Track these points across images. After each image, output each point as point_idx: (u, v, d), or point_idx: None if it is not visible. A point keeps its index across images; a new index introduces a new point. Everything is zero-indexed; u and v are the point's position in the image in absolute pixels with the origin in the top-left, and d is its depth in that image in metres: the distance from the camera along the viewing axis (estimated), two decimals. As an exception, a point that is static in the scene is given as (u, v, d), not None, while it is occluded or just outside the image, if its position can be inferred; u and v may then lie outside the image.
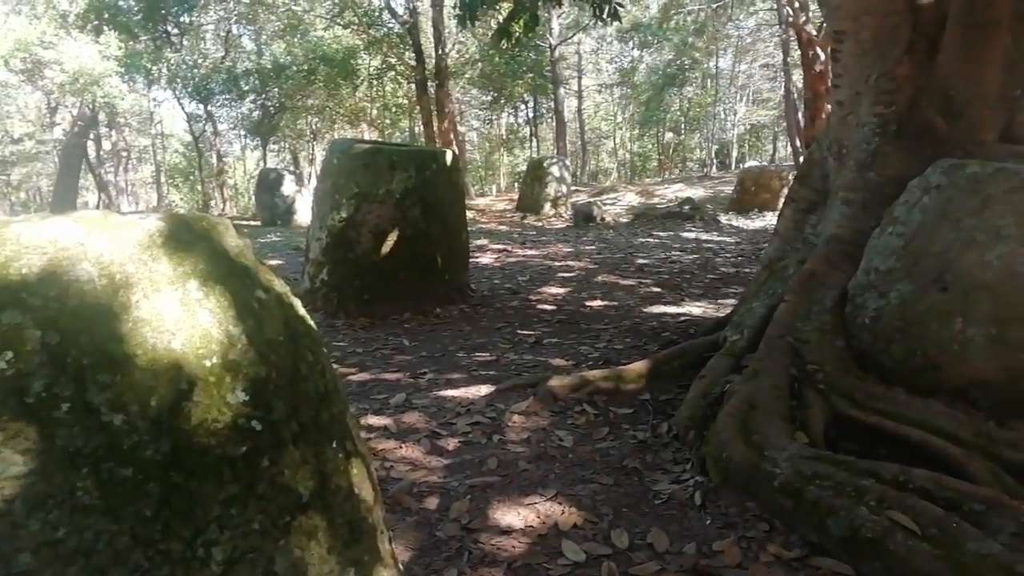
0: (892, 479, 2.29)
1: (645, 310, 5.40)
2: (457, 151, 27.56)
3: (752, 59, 28.22)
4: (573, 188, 20.94)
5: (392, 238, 5.09)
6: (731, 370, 3.27)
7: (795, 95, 15.73)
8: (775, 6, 17.03)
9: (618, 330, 4.75)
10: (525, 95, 25.85)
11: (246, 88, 20.38)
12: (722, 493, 2.49)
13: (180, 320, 1.16)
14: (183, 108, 22.15)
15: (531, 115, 29.14)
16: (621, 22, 7.59)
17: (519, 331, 4.78)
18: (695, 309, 5.43)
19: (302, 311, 1.47)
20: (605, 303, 5.63)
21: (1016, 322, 2.76)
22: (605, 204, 15.10)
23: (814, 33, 11.88)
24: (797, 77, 15.65)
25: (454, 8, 6.11)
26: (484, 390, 3.55)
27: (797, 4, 12.30)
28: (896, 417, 2.81)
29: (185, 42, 19.94)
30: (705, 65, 25.90)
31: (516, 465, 2.76)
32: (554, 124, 24.22)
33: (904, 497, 2.15)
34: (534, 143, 30.09)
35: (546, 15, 21.39)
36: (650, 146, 33.31)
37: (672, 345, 4.12)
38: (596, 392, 3.40)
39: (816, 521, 2.19)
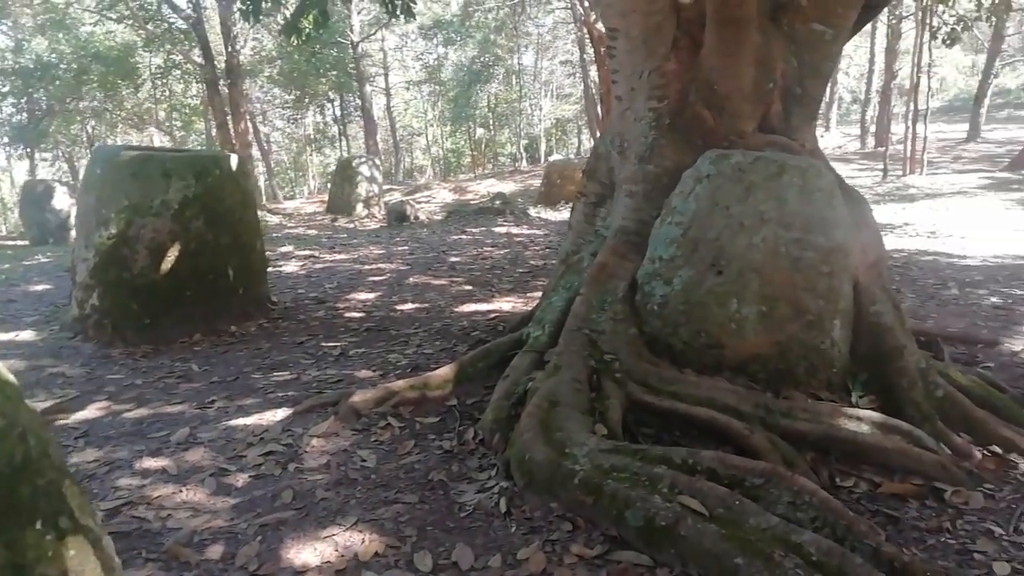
0: (682, 463, 2.37)
1: (456, 310, 5.34)
2: (261, 152, 26.04)
3: (553, 56, 29.31)
4: (387, 187, 20.62)
5: (173, 254, 4.61)
6: (534, 367, 3.27)
7: (593, 90, 16.49)
8: (570, 5, 17.74)
9: (428, 334, 4.64)
10: (330, 93, 25.06)
11: (4, 89, 17.94)
12: (527, 496, 2.45)
13: None
14: (-79, 113, 19.07)
15: (339, 113, 28.30)
16: (415, 18, 7.47)
17: (324, 344, 4.52)
18: (505, 304, 5.45)
19: (-14, 366, 1.20)
20: (416, 306, 5.50)
21: (781, 299, 2.98)
22: (419, 202, 14.97)
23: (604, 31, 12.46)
24: (594, 73, 16.41)
25: (237, 3, 5.64)
26: (281, 414, 3.29)
27: (587, 3, 12.85)
28: (686, 398, 2.94)
29: (-80, 37, 17.18)
30: (509, 62, 26.50)
31: (313, 495, 2.56)
32: (363, 122, 23.67)
33: (693, 481, 2.21)
34: (344, 142, 29.28)
35: (346, 11, 20.84)
36: (462, 142, 33.62)
37: (482, 344, 4.07)
38: (402, 403, 3.26)
39: (615, 514, 2.20)
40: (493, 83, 26.46)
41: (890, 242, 8.13)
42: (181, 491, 2.62)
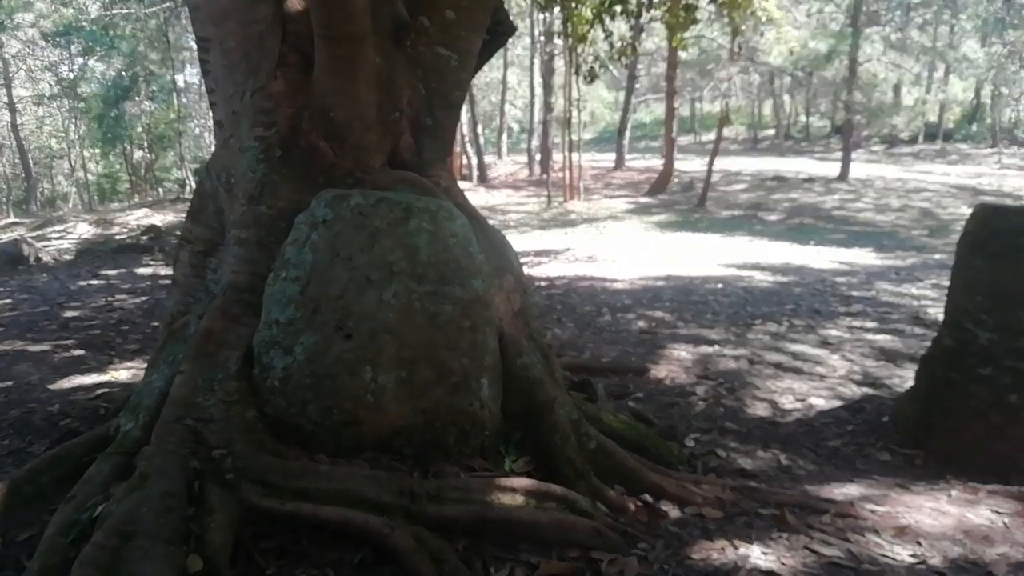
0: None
1: (53, 386, 4.16)
2: None
3: (223, 74, 27.04)
4: (9, 221, 17.15)
5: None
6: (117, 477, 2.44)
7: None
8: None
9: (-4, 429, 3.46)
10: (-73, 106, 20.22)
11: None
12: None
13: None
14: None
15: (-57, 132, 23.01)
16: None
17: None
18: (124, 373, 4.41)
19: None
20: (-7, 386, 4.18)
21: (421, 362, 2.57)
22: (51, 238, 12.52)
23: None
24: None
25: None
26: None
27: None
28: (316, 495, 2.37)
29: None
30: (165, 78, 23.81)
31: None
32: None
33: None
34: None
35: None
36: (118, 166, 29.52)
37: (74, 436, 3.10)
38: None
39: None
40: (147, 100, 23.45)
41: (554, 268, 8.53)
42: None
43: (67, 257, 10.35)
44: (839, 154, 21.16)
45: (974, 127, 30.54)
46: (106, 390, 4.04)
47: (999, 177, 20.72)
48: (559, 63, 21.15)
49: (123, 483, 2.36)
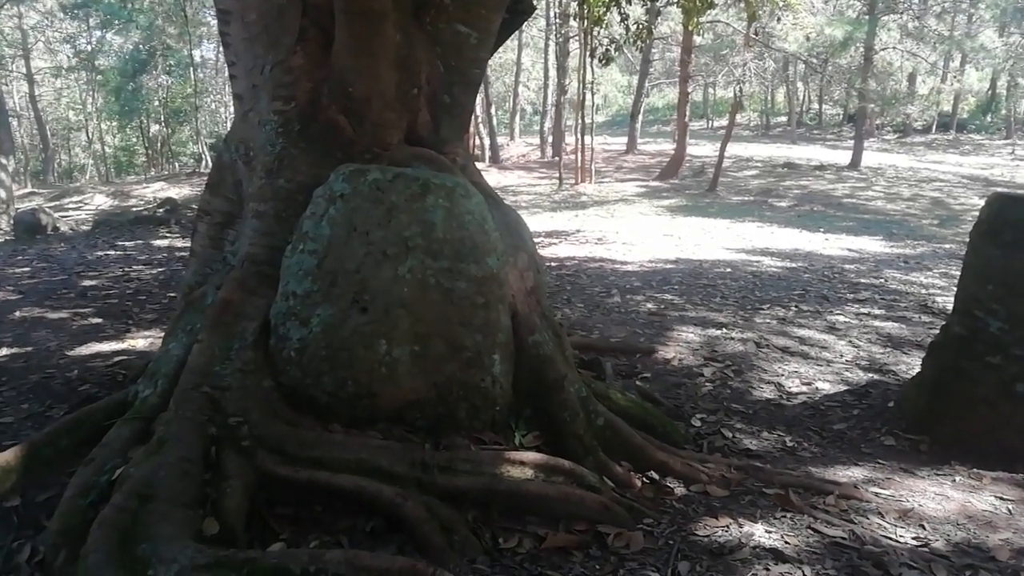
0: (302, 573, 1.83)
1: (71, 352, 4.23)
2: None
3: (236, 49, 27.00)
4: (28, 191, 17.33)
5: None
6: (136, 441, 2.50)
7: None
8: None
9: (17, 393, 3.54)
10: (-56, 76, 20.34)
11: None
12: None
13: None
14: None
15: (-38, 101, 23.14)
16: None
17: None
18: (141, 342, 4.48)
19: None
20: (13, 351, 4.26)
21: (435, 336, 2.61)
22: (68, 209, 12.66)
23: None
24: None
25: None
26: None
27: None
28: (331, 464, 2.43)
29: None
30: (183, 53, 23.87)
31: None
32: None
33: (310, 602, 1.70)
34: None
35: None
36: (135, 139, 29.64)
37: (93, 401, 3.17)
38: (-79, 516, 2.28)
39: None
40: (164, 75, 23.50)
41: (564, 250, 8.55)
42: None
43: (84, 227, 10.45)
44: (851, 142, 20.98)
45: (988, 118, 30.17)
46: (124, 357, 4.12)
47: (1012, 168, 20.54)
48: (574, 46, 20.99)
49: (141, 447, 2.42)
